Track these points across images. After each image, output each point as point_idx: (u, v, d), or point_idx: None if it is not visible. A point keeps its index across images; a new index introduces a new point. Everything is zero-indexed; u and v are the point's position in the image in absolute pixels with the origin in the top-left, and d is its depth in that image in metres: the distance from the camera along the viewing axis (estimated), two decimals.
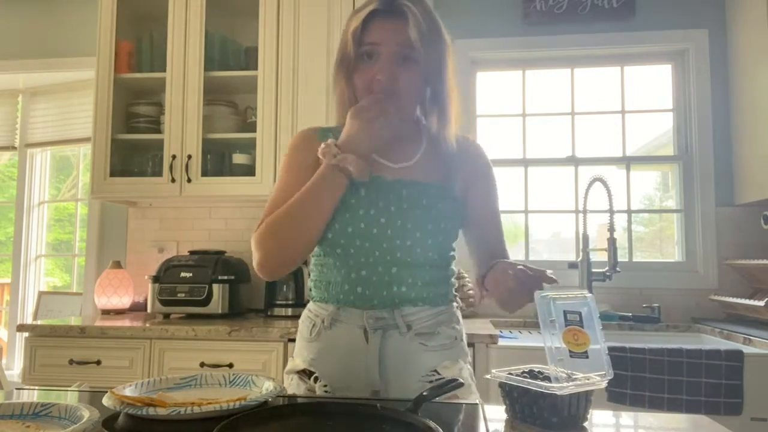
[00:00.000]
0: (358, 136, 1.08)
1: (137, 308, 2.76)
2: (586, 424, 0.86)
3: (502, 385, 0.90)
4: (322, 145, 1.09)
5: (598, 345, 0.86)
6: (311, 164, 1.14)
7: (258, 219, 1.16)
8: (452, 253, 1.20)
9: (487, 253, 1.21)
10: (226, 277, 2.43)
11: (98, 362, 2.17)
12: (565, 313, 0.86)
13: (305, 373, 1.14)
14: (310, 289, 1.21)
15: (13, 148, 3.35)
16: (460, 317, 1.23)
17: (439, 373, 1.11)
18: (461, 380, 0.91)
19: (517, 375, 0.90)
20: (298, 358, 1.18)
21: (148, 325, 2.20)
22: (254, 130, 2.55)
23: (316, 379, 1.12)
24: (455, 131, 1.18)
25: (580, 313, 0.87)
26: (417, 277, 1.12)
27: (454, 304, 1.21)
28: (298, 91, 2.51)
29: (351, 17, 1.13)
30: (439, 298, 1.16)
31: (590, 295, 0.90)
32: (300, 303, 2.51)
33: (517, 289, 0.93)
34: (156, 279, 2.45)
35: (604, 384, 0.85)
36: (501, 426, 0.88)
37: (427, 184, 1.14)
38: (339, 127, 1.18)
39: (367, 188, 1.11)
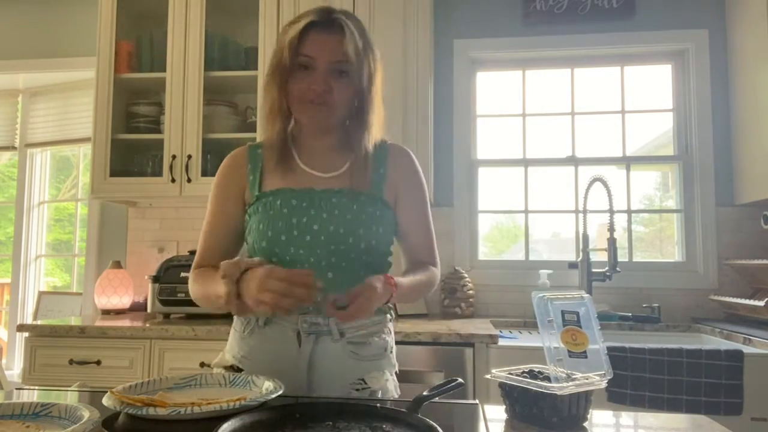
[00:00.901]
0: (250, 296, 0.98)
1: (137, 308, 2.76)
2: (586, 424, 0.86)
3: (502, 385, 0.90)
4: (224, 296, 1.00)
5: (597, 345, 0.86)
6: (236, 188, 1.22)
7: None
8: (389, 259, 1.22)
9: (413, 260, 1.25)
10: None
11: (98, 362, 2.17)
12: (563, 313, 0.86)
13: (233, 369, 1.16)
14: None
15: (13, 148, 3.35)
16: (392, 328, 1.25)
17: (365, 383, 1.13)
18: (460, 380, 0.92)
19: (517, 375, 0.90)
20: (229, 354, 1.20)
21: (148, 325, 2.20)
22: (254, 130, 2.55)
23: None
24: (375, 139, 1.21)
25: (577, 314, 0.87)
26: (353, 283, 1.12)
27: (388, 316, 1.22)
28: None
29: (288, 26, 1.15)
30: (377, 309, 1.16)
31: (587, 295, 0.90)
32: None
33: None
34: (156, 279, 2.44)
35: (603, 384, 0.85)
36: (501, 426, 0.88)
37: (356, 192, 1.17)
38: (266, 141, 1.22)
39: (298, 198, 1.14)
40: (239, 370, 1.15)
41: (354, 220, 1.13)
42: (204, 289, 1.14)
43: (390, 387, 1.17)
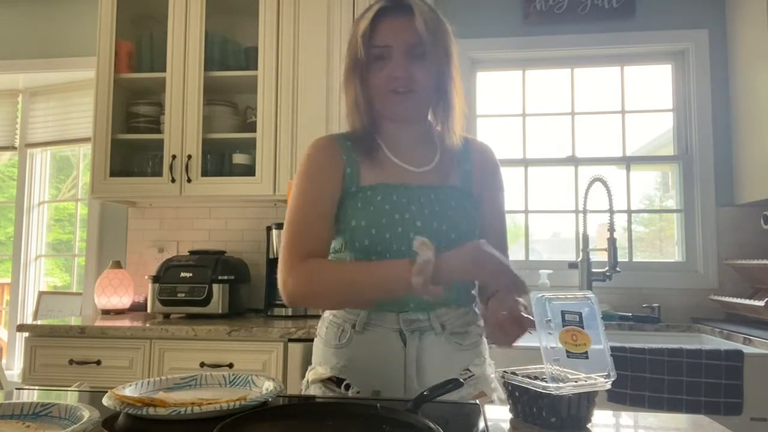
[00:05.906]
0: (461, 274, 0.97)
1: (137, 308, 2.76)
2: (588, 425, 0.86)
3: (505, 385, 0.90)
4: (420, 263, 0.93)
5: (600, 345, 0.86)
6: (336, 176, 1.14)
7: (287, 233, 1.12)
8: None
9: None
10: (226, 277, 2.43)
11: (98, 362, 2.16)
12: (563, 313, 0.86)
13: (332, 381, 1.12)
14: None
15: (13, 148, 3.34)
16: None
17: (470, 371, 1.12)
18: (461, 380, 0.91)
19: (522, 375, 0.90)
20: (323, 367, 1.14)
21: (148, 325, 2.20)
22: (254, 130, 2.55)
23: (347, 387, 1.10)
24: (460, 127, 1.18)
25: (580, 314, 0.86)
26: None
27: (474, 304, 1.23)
28: (298, 91, 2.51)
29: (358, 20, 1.13)
30: (466, 298, 1.18)
31: (593, 295, 0.90)
32: None
33: (506, 330, 0.95)
34: (156, 279, 2.44)
35: (607, 385, 0.85)
36: (501, 426, 0.88)
37: (451, 187, 1.16)
38: (352, 134, 1.18)
39: (398, 194, 1.11)
40: (341, 381, 1.10)
41: (455, 217, 1.12)
42: (357, 276, 1.03)
43: (489, 372, 1.16)
